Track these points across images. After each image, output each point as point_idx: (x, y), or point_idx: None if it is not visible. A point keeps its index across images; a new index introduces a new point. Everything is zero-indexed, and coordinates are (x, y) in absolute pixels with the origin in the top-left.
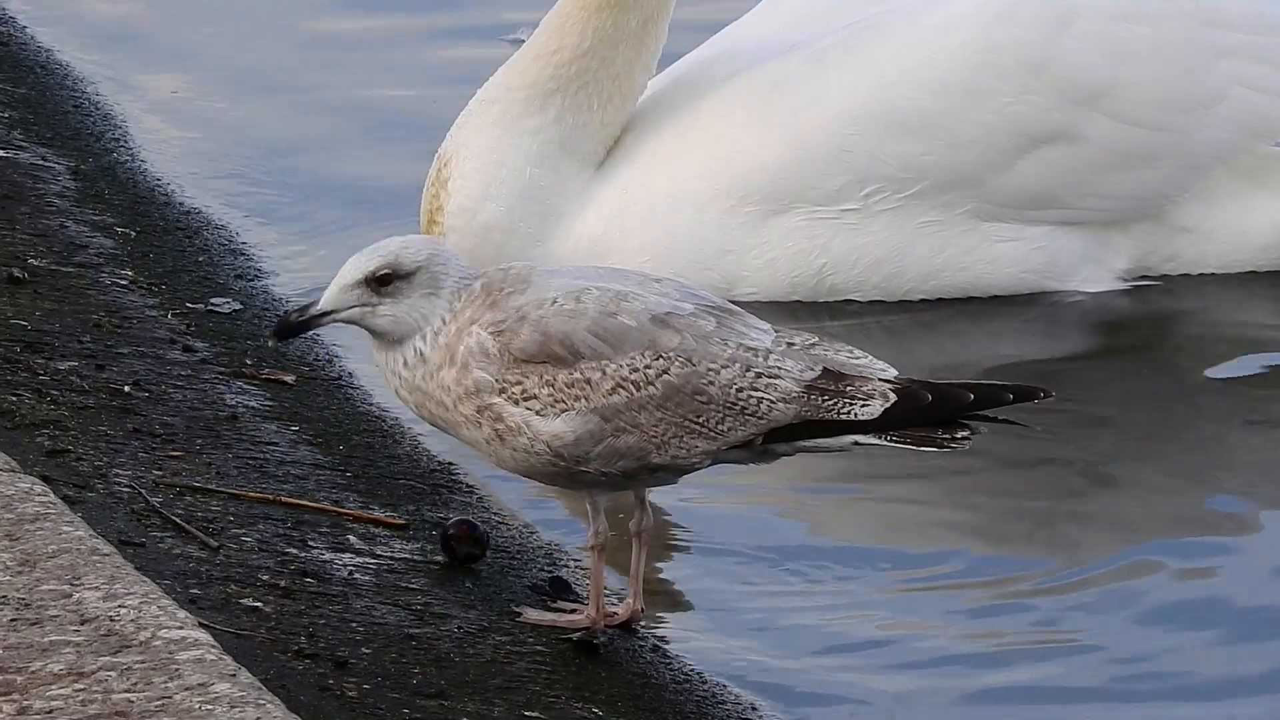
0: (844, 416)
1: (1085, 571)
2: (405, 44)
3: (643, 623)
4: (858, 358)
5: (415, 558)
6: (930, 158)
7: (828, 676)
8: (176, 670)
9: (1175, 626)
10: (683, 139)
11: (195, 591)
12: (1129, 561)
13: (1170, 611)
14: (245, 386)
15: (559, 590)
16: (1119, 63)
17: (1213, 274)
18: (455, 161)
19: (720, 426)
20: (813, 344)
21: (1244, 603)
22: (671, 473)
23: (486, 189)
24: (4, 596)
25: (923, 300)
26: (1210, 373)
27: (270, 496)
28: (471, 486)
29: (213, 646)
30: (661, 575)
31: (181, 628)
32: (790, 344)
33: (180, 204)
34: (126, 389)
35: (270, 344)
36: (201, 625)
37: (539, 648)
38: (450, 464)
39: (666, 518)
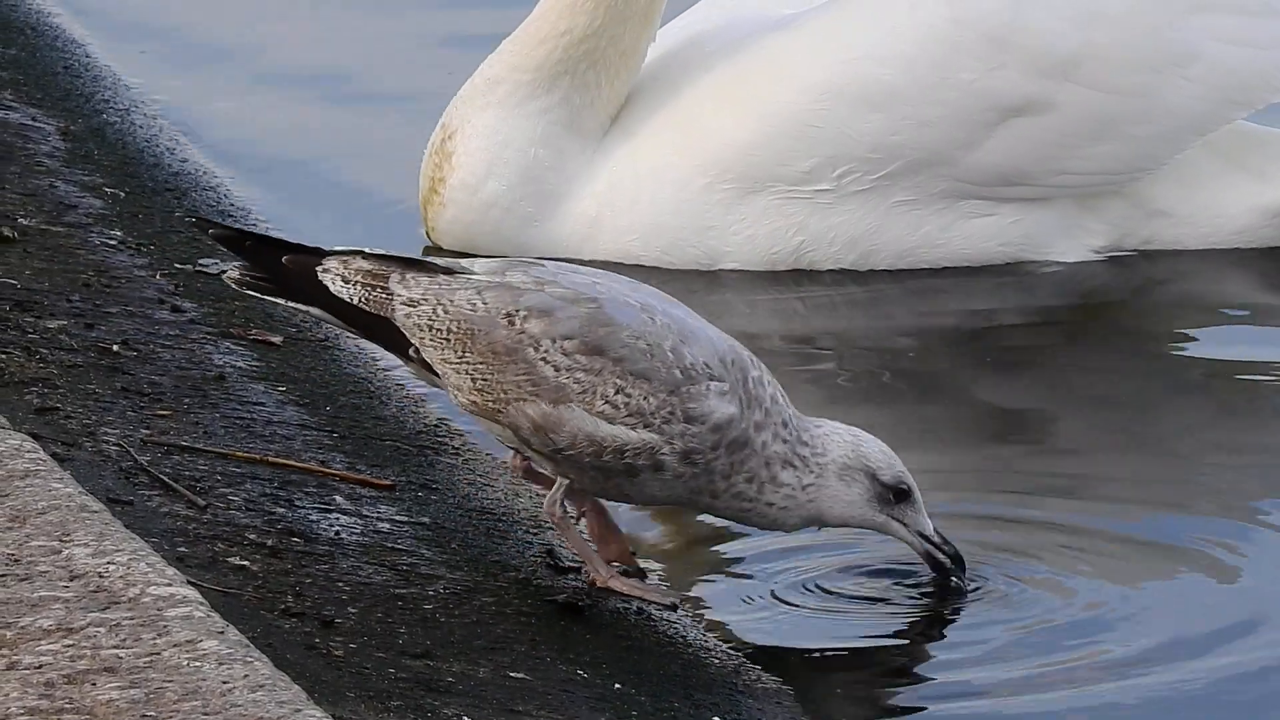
0: None
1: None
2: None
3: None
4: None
5: (401, 519)
6: (898, 137)
7: (821, 640)
8: (165, 627)
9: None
10: (666, 117)
11: (183, 550)
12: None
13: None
14: (233, 347)
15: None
16: (1087, 26)
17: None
18: (460, 136)
19: None
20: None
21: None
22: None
23: (490, 167)
24: None
25: None
26: (1182, 344)
27: (257, 456)
28: (457, 449)
29: (200, 604)
30: (650, 540)
31: (170, 585)
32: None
33: (169, 165)
34: (115, 348)
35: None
36: (189, 583)
37: (524, 609)
38: (436, 425)
39: None
